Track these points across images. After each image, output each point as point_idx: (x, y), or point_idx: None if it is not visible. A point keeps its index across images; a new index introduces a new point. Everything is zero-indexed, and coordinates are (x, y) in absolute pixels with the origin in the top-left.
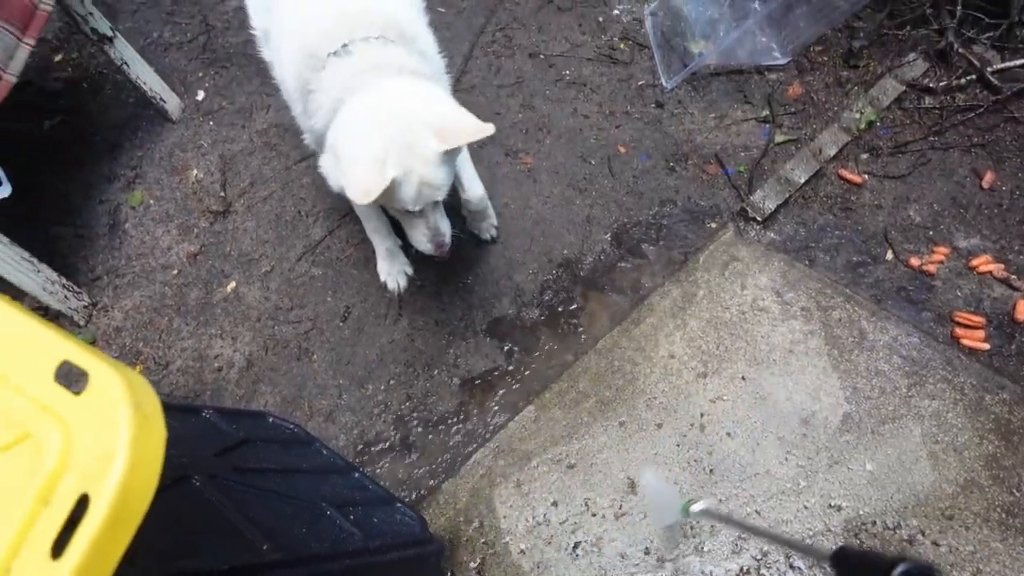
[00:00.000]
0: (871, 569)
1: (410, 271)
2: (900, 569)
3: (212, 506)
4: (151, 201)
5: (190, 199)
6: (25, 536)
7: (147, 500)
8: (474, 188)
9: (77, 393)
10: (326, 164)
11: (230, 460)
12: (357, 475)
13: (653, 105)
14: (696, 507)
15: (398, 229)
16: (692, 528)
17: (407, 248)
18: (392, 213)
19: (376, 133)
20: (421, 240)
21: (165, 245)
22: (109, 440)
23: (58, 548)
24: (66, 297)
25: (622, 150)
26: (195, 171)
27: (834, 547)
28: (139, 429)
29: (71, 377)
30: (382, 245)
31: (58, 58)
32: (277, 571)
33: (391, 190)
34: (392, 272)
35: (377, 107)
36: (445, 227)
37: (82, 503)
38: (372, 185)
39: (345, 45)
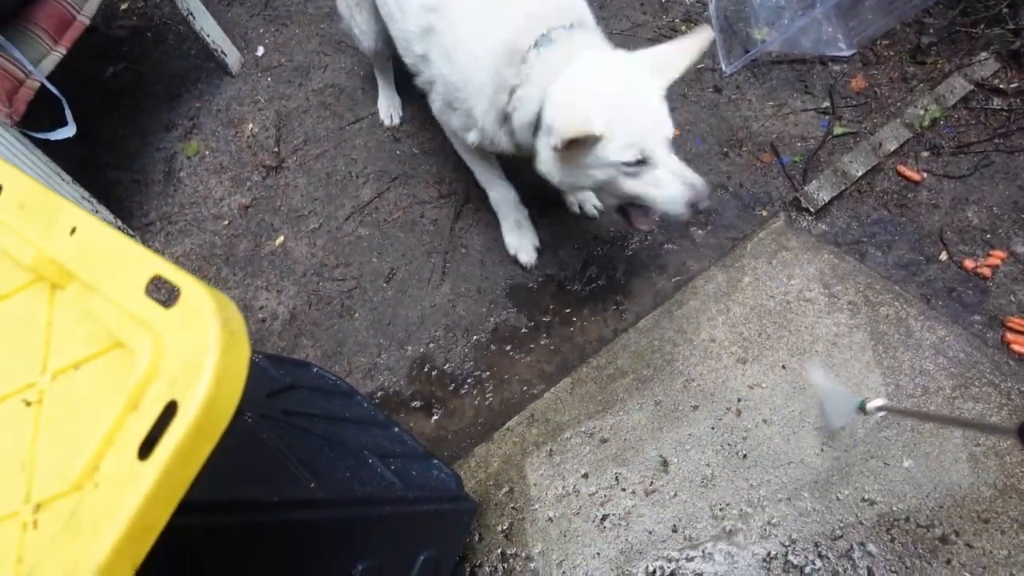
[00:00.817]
0: None
1: (537, 243)
2: None
3: (263, 443)
4: (206, 152)
5: (244, 152)
6: (114, 437)
7: (230, 412)
8: None
9: (167, 307)
10: (542, 152)
11: (279, 402)
12: (396, 430)
13: (711, 89)
14: (872, 404)
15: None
16: (721, 510)
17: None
18: (618, 187)
19: (587, 90)
20: (676, 194)
21: (218, 196)
22: (198, 352)
23: (145, 450)
24: None
25: (676, 132)
26: (251, 125)
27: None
28: (227, 343)
29: (162, 293)
30: (512, 216)
31: (124, 6)
32: (323, 510)
33: (607, 145)
34: (523, 244)
35: (590, 75)
36: (691, 173)
37: (170, 410)
38: (579, 116)
39: (544, 35)
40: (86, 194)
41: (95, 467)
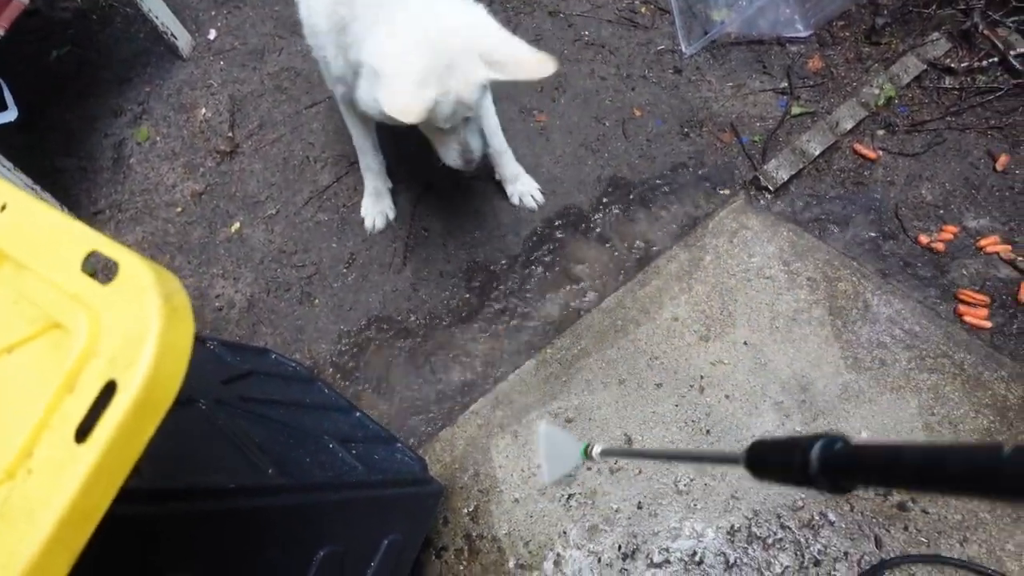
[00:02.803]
0: (789, 454)
1: (392, 215)
2: (819, 444)
3: (218, 429)
4: (157, 138)
5: (197, 138)
6: (49, 421)
7: (174, 391)
8: (495, 140)
9: (105, 283)
10: (364, 87)
11: (236, 389)
12: (358, 414)
13: (671, 71)
14: (597, 449)
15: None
16: (686, 485)
17: (395, 192)
18: (422, 129)
19: (421, 51)
20: (451, 155)
21: (170, 182)
22: (138, 328)
23: (82, 433)
24: None
25: (637, 113)
26: (203, 110)
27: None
28: (168, 319)
29: (100, 269)
30: (371, 183)
31: None
32: (281, 496)
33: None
34: (372, 212)
35: (422, 25)
36: (476, 144)
37: (108, 391)
38: (413, 105)
39: None
40: (30, 182)
41: (28, 453)
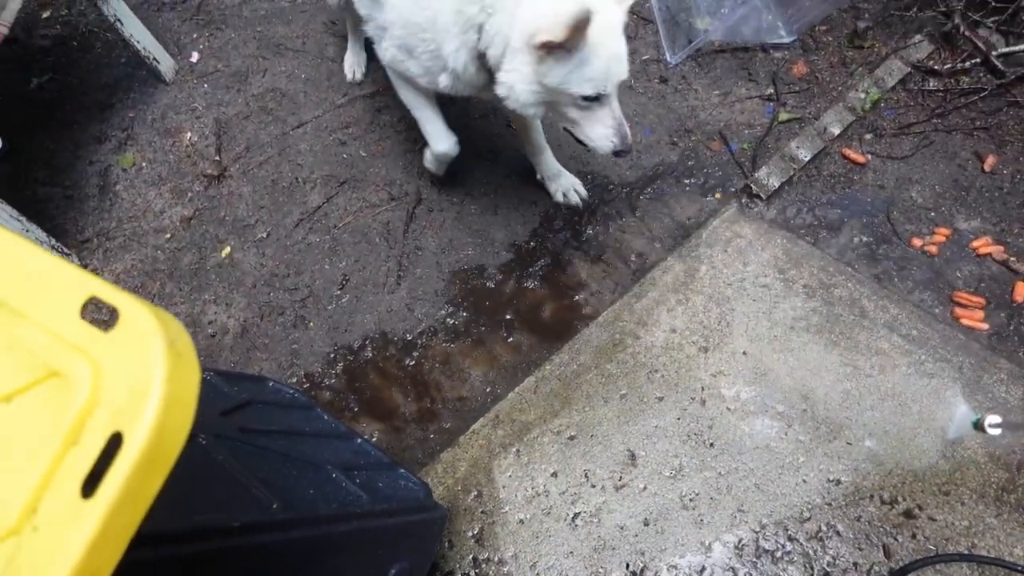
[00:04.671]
0: None
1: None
2: None
3: (219, 465)
4: (143, 163)
5: (184, 162)
6: (53, 475)
7: (182, 441)
8: (539, 137)
9: (106, 331)
10: (508, 74)
11: (235, 421)
12: (359, 441)
13: (657, 80)
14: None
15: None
16: (691, 500)
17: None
18: (565, 112)
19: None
20: (605, 135)
21: (158, 208)
22: (143, 377)
23: (88, 488)
24: None
25: None
26: (189, 134)
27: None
28: (174, 366)
29: (98, 316)
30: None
31: (46, 14)
32: (287, 531)
33: (581, 69)
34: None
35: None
36: (625, 123)
37: (114, 443)
38: (563, 10)
39: None
40: (15, 213)
41: (33, 509)
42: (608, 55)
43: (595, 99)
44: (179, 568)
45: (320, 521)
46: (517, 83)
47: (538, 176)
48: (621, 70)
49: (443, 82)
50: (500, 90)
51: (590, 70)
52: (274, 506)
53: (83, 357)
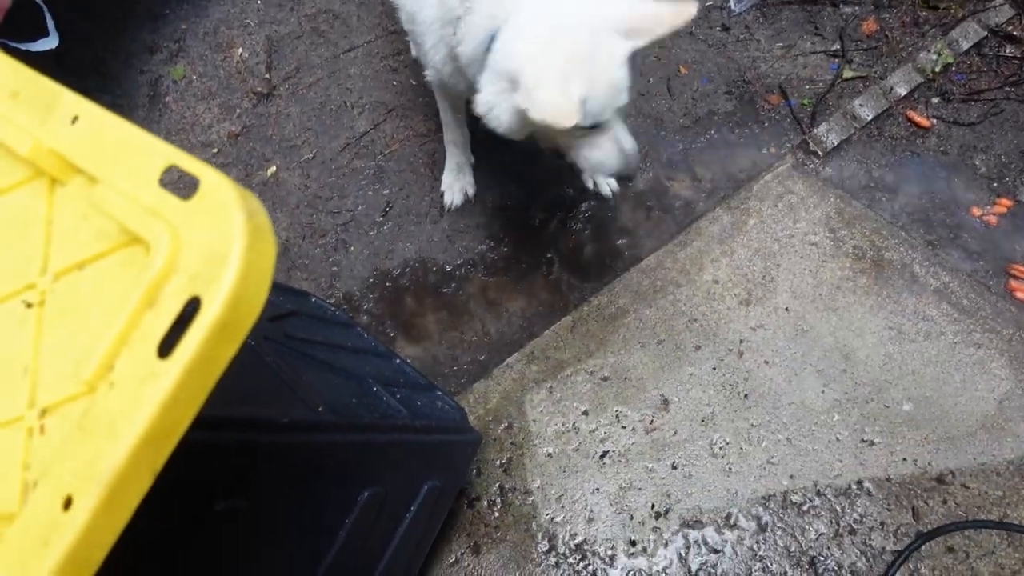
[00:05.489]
0: None
1: (472, 192)
2: None
3: (268, 366)
4: (194, 76)
5: (234, 78)
6: (129, 336)
7: (257, 311)
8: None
9: (186, 199)
10: (488, 96)
11: (281, 327)
12: (397, 361)
13: (719, 28)
14: None
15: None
16: (721, 448)
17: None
18: (558, 141)
19: (556, 45)
20: (608, 159)
21: (206, 123)
22: (221, 244)
23: (165, 349)
24: None
25: (683, 70)
26: (240, 50)
27: None
28: (252, 237)
29: (179, 185)
30: (455, 159)
31: None
32: (331, 433)
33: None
34: (455, 187)
35: (551, 15)
36: (631, 140)
37: (191, 307)
38: (566, 107)
39: None
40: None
41: (109, 366)
42: (607, 89)
43: (592, 127)
44: (232, 456)
45: (363, 428)
46: (497, 107)
47: (568, 160)
48: (620, 99)
49: (428, 76)
50: (479, 108)
51: (589, 112)
52: (320, 408)
53: (162, 223)
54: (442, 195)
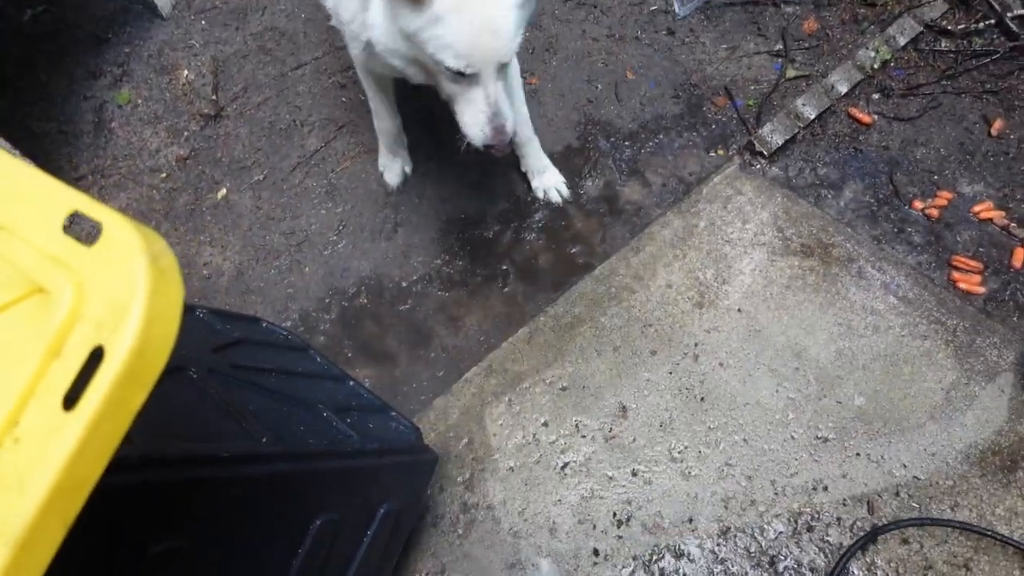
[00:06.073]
0: None
1: (408, 169)
2: None
3: (210, 397)
4: (139, 100)
5: (180, 101)
6: (35, 388)
7: (164, 357)
8: (523, 129)
9: (89, 245)
10: (374, 15)
11: (227, 357)
12: (351, 383)
13: (664, 32)
14: None
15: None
16: (680, 452)
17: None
18: (441, 83)
19: None
20: (476, 122)
21: (153, 147)
22: (125, 291)
23: (70, 401)
24: None
25: (630, 75)
26: (186, 72)
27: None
28: (156, 281)
29: (83, 230)
30: (386, 143)
31: None
32: (275, 463)
33: (437, 27)
34: (393, 168)
35: None
36: (507, 109)
37: (96, 356)
38: None
39: None
40: (8, 146)
41: (14, 421)
42: (474, 23)
43: (468, 76)
44: (168, 493)
45: (309, 456)
46: (377, 21)
47: (522, 168)
48: (495, 47)
49: (353, 52)
50: (369, 32)
51: (449, 34)
52: (263, 439)
53: (65, 271)
54: (382, 175)
